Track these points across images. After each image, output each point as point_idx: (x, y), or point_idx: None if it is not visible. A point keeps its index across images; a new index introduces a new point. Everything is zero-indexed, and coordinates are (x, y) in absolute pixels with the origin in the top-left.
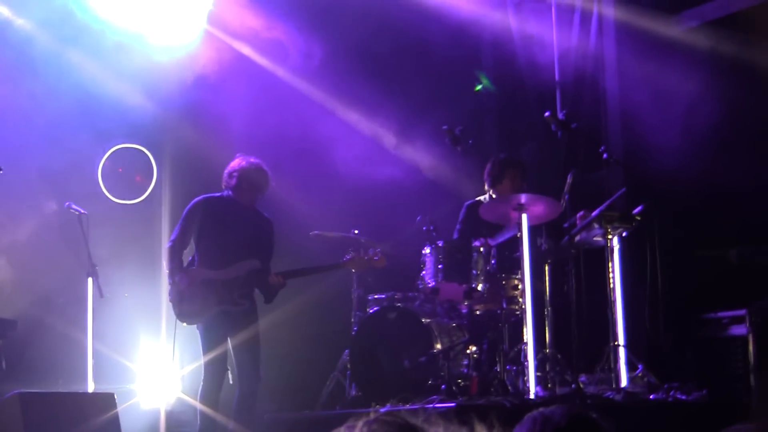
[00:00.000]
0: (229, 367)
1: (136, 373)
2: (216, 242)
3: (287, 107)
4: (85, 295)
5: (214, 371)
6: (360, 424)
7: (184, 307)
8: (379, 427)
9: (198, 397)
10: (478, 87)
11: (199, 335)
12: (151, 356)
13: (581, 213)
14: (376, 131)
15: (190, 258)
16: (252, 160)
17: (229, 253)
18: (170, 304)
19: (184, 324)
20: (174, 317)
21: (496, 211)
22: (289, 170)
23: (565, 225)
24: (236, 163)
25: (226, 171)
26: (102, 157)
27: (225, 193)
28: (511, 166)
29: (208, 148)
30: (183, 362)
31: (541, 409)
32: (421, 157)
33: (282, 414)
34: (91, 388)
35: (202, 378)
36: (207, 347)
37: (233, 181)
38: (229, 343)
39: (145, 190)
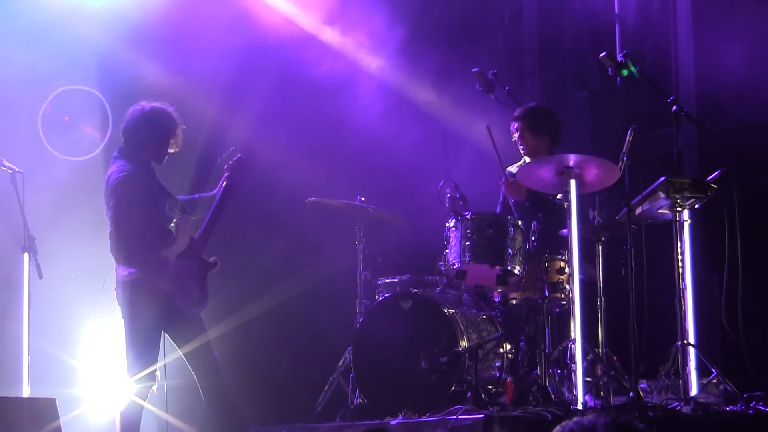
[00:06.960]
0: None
1: (85, 375)
2: (159, 212)
3: (283, 47)
4: (20, 275)
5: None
6: None
7: (190, 293)
8: None
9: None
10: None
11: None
12: (105, 354)
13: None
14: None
15: None
16: (155, 104)
17: (167, 219)
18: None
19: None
20: None
21: (536, 175)
22: (281, 123)
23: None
24: (135, 111)
25: (123, 125)
26: (43, 102)
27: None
28: (514, 119)
29: (180, 94)
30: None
31: (576, 419)
32: (446, 107)
33: (269, 428)
34: (26, 392)
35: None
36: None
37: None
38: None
39: (98, 145)
